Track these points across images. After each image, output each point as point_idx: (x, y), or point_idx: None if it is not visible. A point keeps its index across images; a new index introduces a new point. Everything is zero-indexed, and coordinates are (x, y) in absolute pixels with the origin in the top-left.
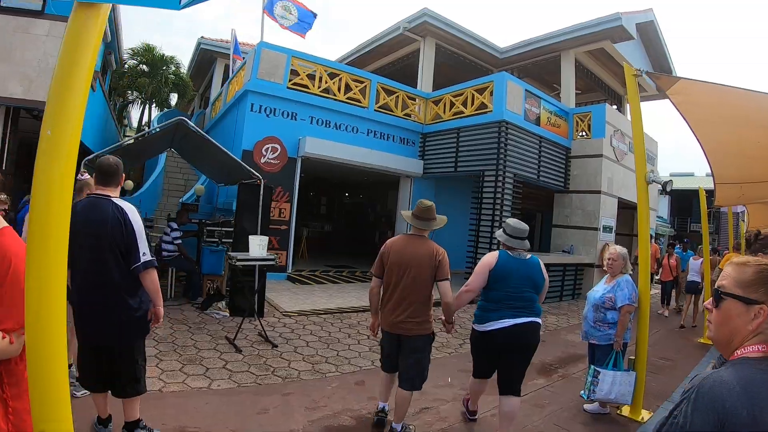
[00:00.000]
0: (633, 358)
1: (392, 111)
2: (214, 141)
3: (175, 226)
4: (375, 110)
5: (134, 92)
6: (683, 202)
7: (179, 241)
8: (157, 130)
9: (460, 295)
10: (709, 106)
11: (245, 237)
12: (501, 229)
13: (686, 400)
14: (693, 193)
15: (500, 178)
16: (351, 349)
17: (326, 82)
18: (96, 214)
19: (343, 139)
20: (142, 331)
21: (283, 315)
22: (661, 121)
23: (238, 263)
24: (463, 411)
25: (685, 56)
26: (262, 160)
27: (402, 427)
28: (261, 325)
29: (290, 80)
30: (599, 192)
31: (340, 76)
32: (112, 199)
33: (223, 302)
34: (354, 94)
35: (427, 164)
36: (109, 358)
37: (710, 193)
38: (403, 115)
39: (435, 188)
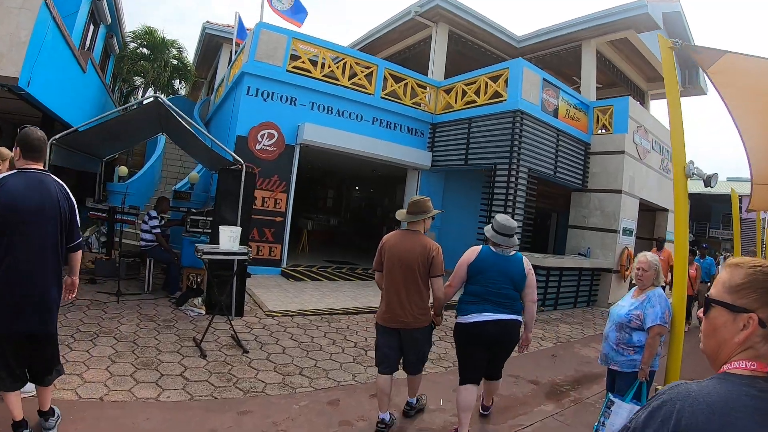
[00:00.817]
0: (660, 388)
1: (400, 99)
2: (189, 121)
3: (154, 214)
4: (381, 97)
5: (139, 78)
6: (701, 207)
7: (157, 230)
8: (119, 110)
9: (444, 290)
10: (758, 89)
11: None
12: (489, 224)
13: (646, 405)
14: (711, 198)
15: (513, 173)
16: (332, 359)
17: (329, 67)
18: (47, 192)
19: (346, 126)
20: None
21: (266, 315)
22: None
23: (204, 257)
24: None
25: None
26: (258, 147)
27: (417, 400)
28: (232, 326)
29: (291, 63)
30: (620, 191)
31: (344, 61)
32: (51, 175)
33: (200, 298)
34: (359, 79)
35: (436, 156)
36: (40, 345)
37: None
38: (412, 103)
39: (444, 182)
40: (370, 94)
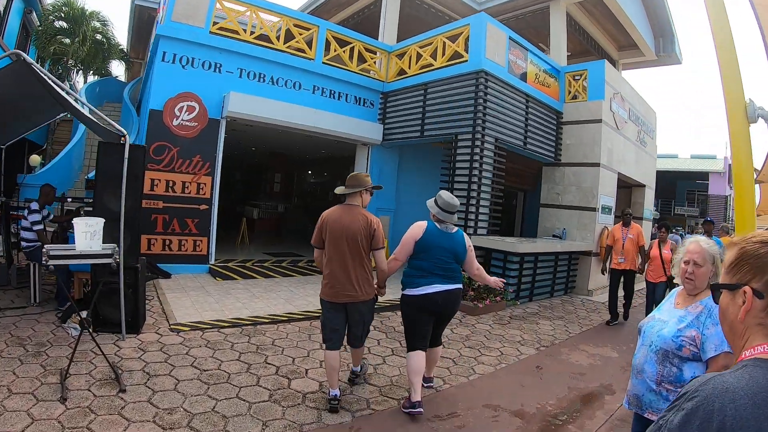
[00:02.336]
0: None
1: (346, 65)
2: (55, 81)
3: (34, 206)
4: (323, 63)
5: (69, 58)
6: (666, 184)
7: (40, 227)
8: None
9: (388, 263)
10: None
11: (109, 221)
12: (433, 200)
13: (675, 408)
14: (677, 175)
15: (478, 143)
16: (240, 398)
17: (261, 28)
18: None
19: (282, 96)
20: None
21: (171, 329)
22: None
23: (51, 262)
24: (407, 411)
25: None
26: (175, 122)
27: (360, 368)
28: (106, 357)
29: (215, 24)
30: (598, 165)
31: (279, 21)
32: None
33: (85, 313)
34: (297, 42)
35: (388, 129)
36: None
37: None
38: (360, 70)
39: (399, 158)
40: (309, 59)
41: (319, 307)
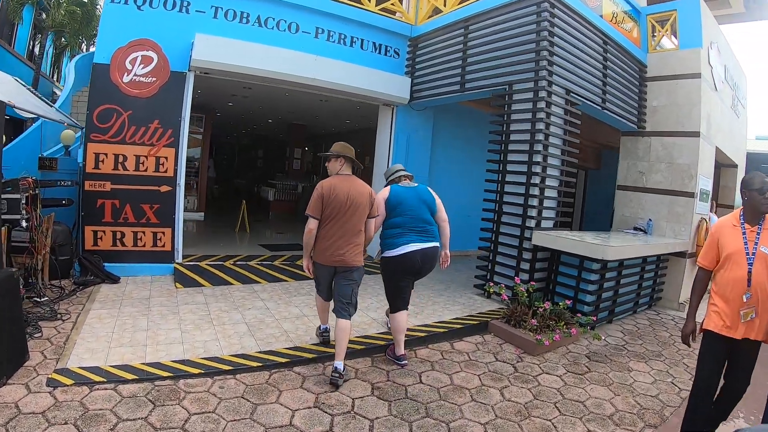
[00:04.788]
0: None
1: (360, 3)
2: None
3: None
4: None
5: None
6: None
7: None
8: None
9: None
10: None
11: None
12: (385, 178)
13: None
14: (749, 157)
15: (543, 95)
16: None
17: None
18: None
19: (271, 40)
20: None
21: (49, 381)
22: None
23: None
24: (393, 359)
25: None
26: (126, 79)
27: (344, 368)
28: None
29: None
30: (697, 134)
31: None
32: None
33: None
34: None
35: (417, 84)
36: None
37: None
38: (380, 10)
39: (433, 123)
40: None
41: (295, 345)
